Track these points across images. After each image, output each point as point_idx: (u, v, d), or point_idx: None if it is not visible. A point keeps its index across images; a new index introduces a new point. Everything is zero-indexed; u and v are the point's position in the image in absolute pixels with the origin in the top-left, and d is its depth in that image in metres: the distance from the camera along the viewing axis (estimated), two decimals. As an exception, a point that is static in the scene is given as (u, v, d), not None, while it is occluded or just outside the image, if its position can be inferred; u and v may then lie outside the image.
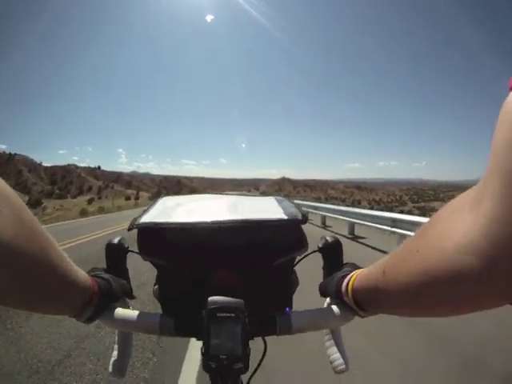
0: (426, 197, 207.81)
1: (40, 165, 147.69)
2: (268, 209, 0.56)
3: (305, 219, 0.51)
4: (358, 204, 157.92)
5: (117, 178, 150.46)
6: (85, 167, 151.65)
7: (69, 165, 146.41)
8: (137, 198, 80.00)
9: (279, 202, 0.61)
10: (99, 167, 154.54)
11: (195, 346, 2.28)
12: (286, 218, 0.51)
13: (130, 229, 0.51)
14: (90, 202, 66.88)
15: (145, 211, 0.57)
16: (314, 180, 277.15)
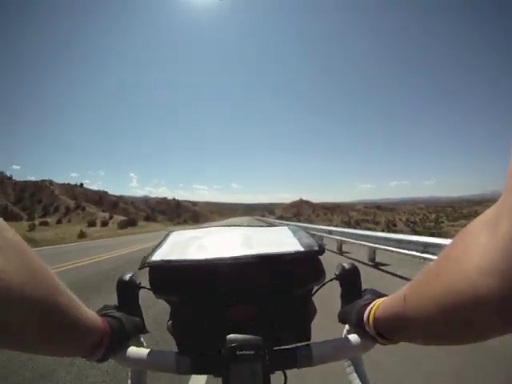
0: (454, 214, 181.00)
1: (10, 179, 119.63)
2: (283, 241, 0.56)
3: (322, 250, 0.51)
4: (393, 226, 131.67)
5: (99, 198, 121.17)
6: (63, 184, 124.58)
7: (43, 180, 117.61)
8: (104, 225, 57.31)
9: (294, 233, 0.61)
10: (81, 184, 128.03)
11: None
12: (302, 249, 0.50)
13: (141, 267, 0.50)
14: (31, 227, 46.96)
15: (156, 247, 0.57)
16: (330, 203, 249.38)
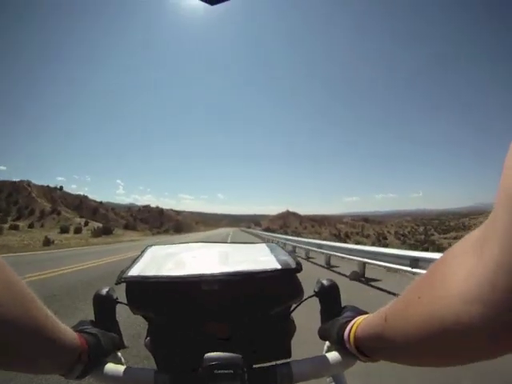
0: (442, 227, 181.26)
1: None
2: (260, 258, 0.55)
3: (299, 268, 0.50)
4: (383, 239, 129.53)
5: (80, 202, 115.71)
6: (42, 186, 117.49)
7: (21, 181, 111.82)
8: (78, 231, 52.68)
9: (271, 250, 0.61)
10: (61, 188, 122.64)
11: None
12: (279, 267, 0.50)
13: (117, 283, 0.49)
14: (-2, 231, 41.24)
15: (133, 263, 0.55)
16: (317, 215, 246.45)
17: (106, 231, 50.02)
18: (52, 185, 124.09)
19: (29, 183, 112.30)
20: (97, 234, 45.50)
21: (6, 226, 51.49)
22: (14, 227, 52.94)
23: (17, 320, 0.30)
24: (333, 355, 0.49)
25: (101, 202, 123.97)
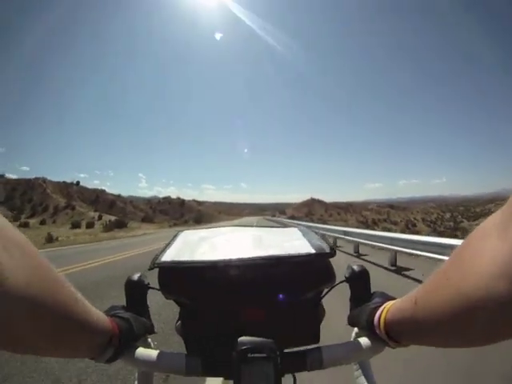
0: (468, 213, 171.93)
1: (2, 176, 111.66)
2: (294, 242, 0.55)
3: (333, 252, 0.50)
4: (413, 227, 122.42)
5: (96, 196, 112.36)
6: (58, 182, 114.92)
7: (36, 178, 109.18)
8: (90, 226, 48.71)
9: (304, 234, 0.60)
10: (78, 183, 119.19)
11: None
12: (313, 252, 0.50)
13: (150, 268, 0.50)
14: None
15: (165, 248, 0.56)
16: (342, 202, 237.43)
17: (120, 224, 45.52)
18: (75, 181, 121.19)
19: (44, 180, 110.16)
20: (109, 227, 41.17)
21: (17, 223, 48.02)
22: (25, 224, 49.44)
23: (46, 303, 0.30)
24: (363, 341, 0.49)
25: (119, 195, 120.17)
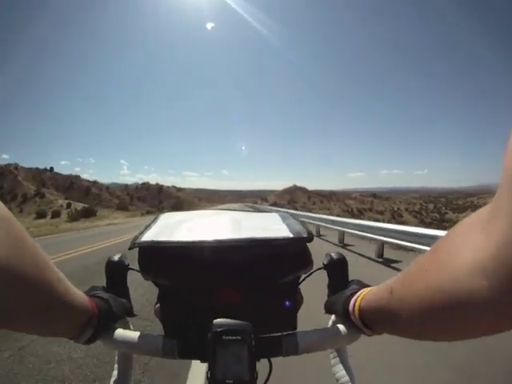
0: (451, 205, 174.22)
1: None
2: (272, 226, 0.55)
3: (310, 237, 0.50)
4: (399, 217, 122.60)
5: (71, 183, 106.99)
6: (30, 169, 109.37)
7: (7, 165, 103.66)
8: (56, 215, 45.63)
9: (283, 219, 0.60)
10: (52, 169, 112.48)
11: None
12: (291, 236, 0.50)
13: (130, 248, 0.50)
14: None
15: (145, 228, 0.55)
16: (325, 190, 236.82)
17: (88, 213, 41.84)
18: (58, 170, 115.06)
19: (16, 166, 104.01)
20: (76, 216, 37.67)
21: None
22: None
23: (28, 279, 0.30)
24: (339, 328, 0.49)
25: (95, 182, 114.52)
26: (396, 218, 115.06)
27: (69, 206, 56.25)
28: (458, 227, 0.30)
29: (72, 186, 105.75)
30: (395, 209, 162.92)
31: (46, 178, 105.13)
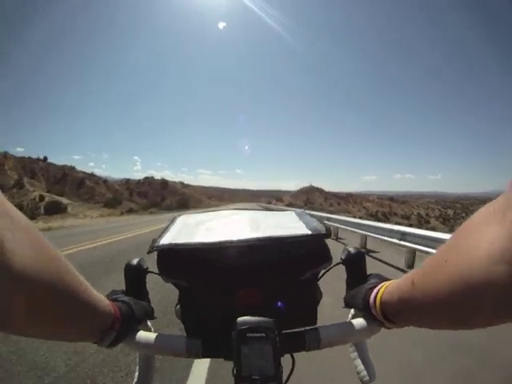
0: (470, 211, 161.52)
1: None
2: (290, 224, 0.56)
3: (328, 233, 0.51)
4: (426, 223, 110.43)
5: (63, 174, 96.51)
6: (22, 158, 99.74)
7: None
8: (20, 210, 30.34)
9: (300, 217, 0.61)
10: (45, 158, 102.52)
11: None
12: (309, 233, 0.50)
13: (149, 252, 0.50)
14: None
15: (163, 232, 0.55)
16: (342, 192, 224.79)
17: (55, 209, 31.86)
18: (70, 163, 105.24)
19: (5, 154, 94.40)
20: (32, 215, 27.29)
21: None
22: None
23: (51, 285, 0.30)
24: (359, 321, 0.49)
25: (92, 174, 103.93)
26: (423, 223, 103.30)
27: (42, 199, 45.83)
28: (475, 217, 0.30)
29: (65, 177, 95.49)
30: (415, 213, 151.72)
31: (37, 169, 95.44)
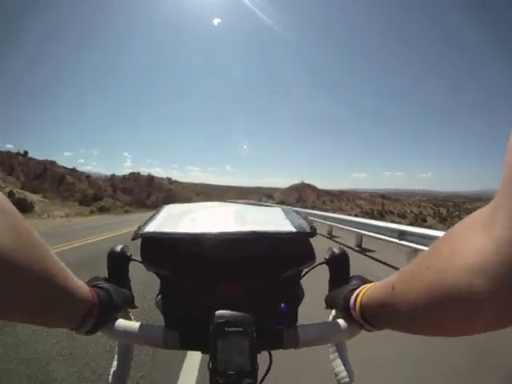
0: (463, 209, 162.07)
1: None
2: (275, 220, 0.55)
3: (313, 232, 0.50)
4: (423, 222, 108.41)
5: (44, 169, 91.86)
6: (1, 153, 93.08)
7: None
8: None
9: (286, 213, 0.61)
10: (26, 153, 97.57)
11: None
12: (294, 230, 0.50)
13: (134, 238, 0.49)
14: None
15: (149, 219, 0.55)
16: (334, 189, 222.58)
17: (18, 209, 27.29)
18: (59, 161, 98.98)
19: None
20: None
21: None
22: None
23: (29, 269, 0.30)
24: (339, 323, 0.49)
25: (73, 169, 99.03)
26: (420, 222, 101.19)
27: (11, 196, 41.95)
28: (458, 225, 0.30)
29: (45, 173, 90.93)
30: (408, 211, 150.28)
31: (16, 164, 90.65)
